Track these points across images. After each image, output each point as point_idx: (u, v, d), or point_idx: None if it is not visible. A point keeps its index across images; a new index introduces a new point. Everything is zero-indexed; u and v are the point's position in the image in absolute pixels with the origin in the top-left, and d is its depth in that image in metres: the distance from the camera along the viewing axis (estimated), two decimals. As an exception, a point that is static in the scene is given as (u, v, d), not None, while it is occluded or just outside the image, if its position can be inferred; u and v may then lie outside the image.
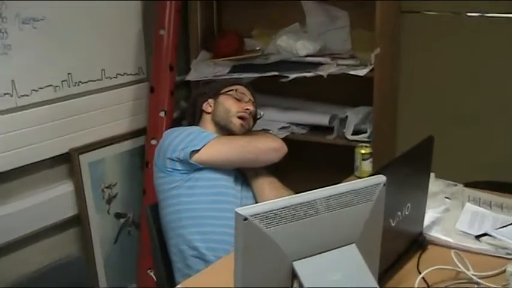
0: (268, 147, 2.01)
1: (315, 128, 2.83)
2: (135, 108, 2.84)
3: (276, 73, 2.67)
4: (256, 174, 2.06)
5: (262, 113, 2.21)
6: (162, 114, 2.72)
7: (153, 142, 2.67)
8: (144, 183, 2.73)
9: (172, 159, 1.98)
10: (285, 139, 2.43)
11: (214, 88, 2.21)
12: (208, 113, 2.14)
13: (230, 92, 2.14)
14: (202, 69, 2.90)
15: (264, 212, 1.14)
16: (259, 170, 2.07)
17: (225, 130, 2.10)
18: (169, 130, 2.12)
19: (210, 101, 2.15)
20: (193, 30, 3.00)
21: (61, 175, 2.56)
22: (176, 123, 2.78)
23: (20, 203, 2.37)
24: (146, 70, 2.82)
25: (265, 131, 2.68)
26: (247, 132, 2.13)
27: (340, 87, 2.86)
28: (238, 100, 2.12)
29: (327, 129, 2.77)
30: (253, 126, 2.19)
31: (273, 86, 2.80)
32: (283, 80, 2.64)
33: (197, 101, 2.19)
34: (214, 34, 3.07)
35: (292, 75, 2.64)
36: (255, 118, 2.18)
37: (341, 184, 1.27)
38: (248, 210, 1.13)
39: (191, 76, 2.91)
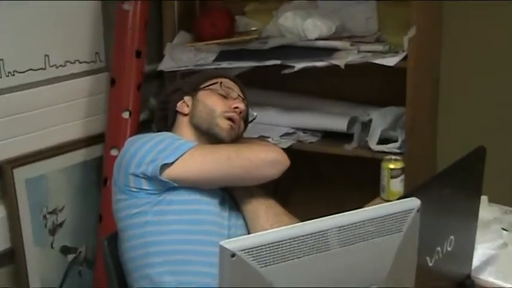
0: (264, 160, 2.04)
1: (328, 135, 2.85)
2: (89, 107, 2.86)
3: (277, 62, 2.68)
4: (249, 195, 2.08)
5: (255, 114, 2.24)
6: (125, 115, 2.74)
7: (114, 152, 2.69)
8: (101, 207, 2.75)
9: (137, 176, 2.00)
10: (288, 149, 2.46)
11: (191, 82, 2.23)
12: (185, 115, 2.17)
13: (213, 87, 2.17)
14: (180, 55, 2.92)
15: (258, 246, 1.16)
16: (253, 190, 2.08)
17: (207, 136, 2.13)
18: (133, 137, 2.12)
19: (187, 98, 2.18)
20: (169, 4, 3.02)
21: (-11, 196, 2.42)
22: (144, 127, 2.78)
23: None
24: (105, 56, 2.85)
25: (262, 138, 2.72)
26: (237, 139, 2.15)
27: (363, 81, 2.87)
28: (224, 97, 2.15)
29: (345, 137, 2.79)
30: (244, 132, 2.22)
31: (273, 79, 2.81)
32: (287, 71, 2.65)
33: (170, 100, 2.21)
34: (196, 10, 3.12)
35: (299, 65, 2.65)
36: (246, 121, 2.20)
37: (361, 209, 1.28)
38: (237, 243, 1.15)
39: (165, 65, 2.92)
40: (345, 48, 2.74)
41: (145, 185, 2.02)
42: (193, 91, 2.19)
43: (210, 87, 2.18)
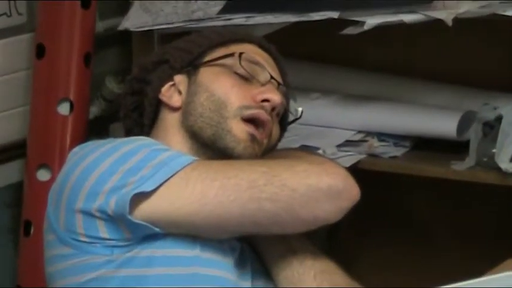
0: (314, 189, 1.65)
1: (423, 145, 2.47)
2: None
3: (333, 14, 2.32)
4: (288, 251, 1.77)
5: (300, 109, 1.99)
6: (63, 108, 2.48)
7: (43, 175, 2.48)
8: (21, 271, 2.53)
9: (90, 215, 1.68)
10: (353, 169, 2.11)
11: (187, 50, 1.91)
12: (175, 109, 1.85)
13: (226, 60, 1.88)
14: (160, 5, 2.57)
15: None
16: (294, 242, 1.78)
17: (211, 150, 1.81)
18: (81, 146, 1.85)
19: (179, 79, 1.86)
20: None
21: None
22: (97, 129, 2.54)
23: None
24: (27, 7, 2.61)
25: (308, 150, 2.29)
26: (266, 153, 1.88)
27: (484, 49, 2.53)
28: (246, 79, 1.85)
29: (453, 148, 2.41)
30: (281, 140, 1.96)
31: (325, 45, 2.52)
32: (351, 31, 2.30)
33: (149, 79, 1.90)
34: None
35: (372, 21, 2.26)
36: (284, 122, 1.97)
37: (484, 278, 1.14)
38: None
39: (133, 21, 2.59)
40: (451, -7, 2.66)
41: (103, 230, 1.67)
42: (190, 66, 1.87)
43: (222, 61, 1.86)
